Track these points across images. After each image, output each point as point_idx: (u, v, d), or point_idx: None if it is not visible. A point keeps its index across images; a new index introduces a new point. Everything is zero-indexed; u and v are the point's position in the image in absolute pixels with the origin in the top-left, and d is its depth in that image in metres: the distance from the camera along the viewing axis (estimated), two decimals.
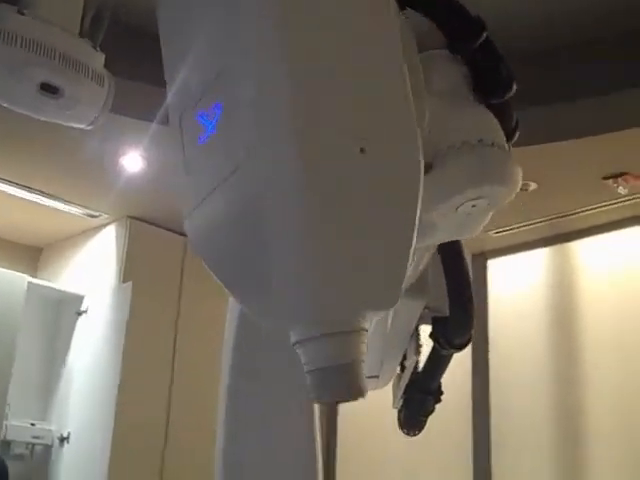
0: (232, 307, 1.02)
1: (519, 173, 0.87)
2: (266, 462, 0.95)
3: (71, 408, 4.86)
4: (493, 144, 0.85)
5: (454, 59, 0.90)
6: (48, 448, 4.90)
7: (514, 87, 0.91)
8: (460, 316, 1.08)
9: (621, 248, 4.61)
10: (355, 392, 0.72)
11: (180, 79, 0.86)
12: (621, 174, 4.04)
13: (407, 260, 0.72)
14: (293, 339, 0.73)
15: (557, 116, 3.58)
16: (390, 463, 5.07)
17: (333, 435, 5.36)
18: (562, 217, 4.60)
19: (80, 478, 4.62)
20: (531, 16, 3.35)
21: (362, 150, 0.70)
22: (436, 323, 1.11)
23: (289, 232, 0.69)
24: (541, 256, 4.96)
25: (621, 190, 4.12)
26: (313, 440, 0.95)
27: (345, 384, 0.72)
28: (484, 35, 0.90)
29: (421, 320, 1.13)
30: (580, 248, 4.80)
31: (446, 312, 1.07)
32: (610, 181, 4.09)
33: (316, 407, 0.96)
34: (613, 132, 3.62)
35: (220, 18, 0.79)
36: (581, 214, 4.53)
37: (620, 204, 4.36)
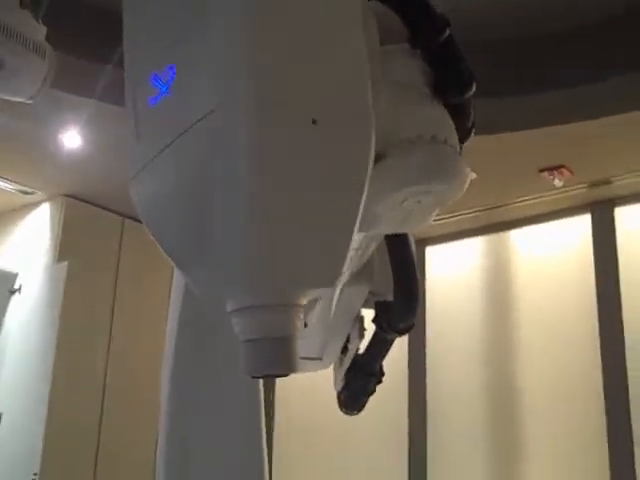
0: (176, 288, 1.01)
1: (468, 174, 0.88)
2: (211, 445, 0.95)
3: (3, 388, 4.76)
4: (446, 141, 0.86)
5: (415, 54, 0.91)
6: None
7: (474, 87, 0.92)
8: (405, 302, 1.09)
9: (554, 238, 4.73)
10: (287, 366, 0.72)
11: (139, 46, 0.84)
12: (557, 167, 4.14)
13: (348, 240, 0.72)
14: (229, 308, 0.73)
15: (498, 109, 3.64)
16: (326, 437, 5.14)
17: (270, 408, 5.38)
18: (499, 207, 4.69)
19: (14, 458, 4.54)
20: (476, 9, 3.39)
21: (314, 121, 0.70)
22: (380, 308, 1.12)
23: (235, 198, 0.69)
24: (478, 244, 5.06)
25: (557, 183, 4.22)
26: (259, 423, 0.95)
27: (278, 358, 0.72)
28: (447, 32, 0.91)
29: (365, 304, 1.14)
30: (515, 237, 4.91)
31: (390, 297, 1.08)
32: (546, 173, 4.19)
33: (260, 388, 0.96)
34: (552, 126, 3.70)
35: None
36: (517, 204, 4.63)
37: (555, 196, 4.46)
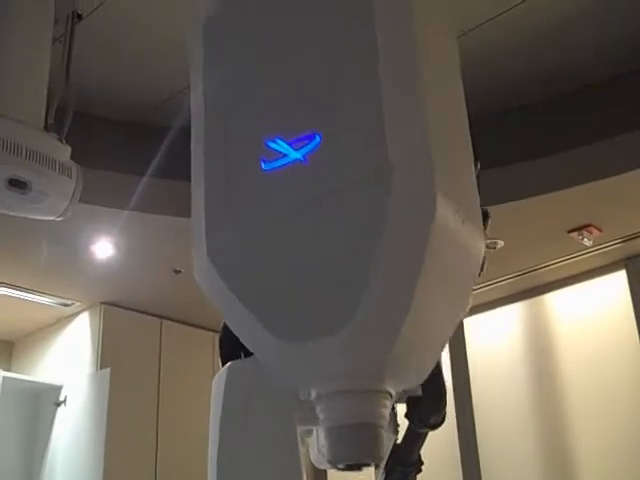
0: (217, 386, 1.02)
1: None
2: None
3: None
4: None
5: None
6: None
7: (489, 219, 0.95)
8: (433, 397, 1.10)
9: (592, 297, 4.67)
10: (374, 455, 0.70)
11: (235, 110, 0.84)
12: (585, 226, 4.13)
13: (439, 356, 0.73)
14: (314, 394, 0.71)
15: (519, 175, 3.67)
16: None
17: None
18: (531, 272, 4.66)
19: None
20: (502, 71, 3.46)
21: (463, 222, 0.73)
22: (410, 403, 1.12)
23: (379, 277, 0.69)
24: (515, 310, 5.01)
25: (586, 242, 4.20)
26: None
27: (365, 445, 0.70)
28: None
29: (398, 399, 1.15)
30: (552, 300, 4.86)
31: (419, 392, 1.09)
32: (575, 234, 4.17)
33: (301, 455, 0.96)
34: (574, 187, 3.71)
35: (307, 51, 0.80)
36: (549, 267, 4.60)
37: (586, 255, 4.44)
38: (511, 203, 3.81)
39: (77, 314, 5.13)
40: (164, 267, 4.33)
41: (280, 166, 0.76)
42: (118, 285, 4.72)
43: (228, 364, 0.96)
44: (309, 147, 0.75)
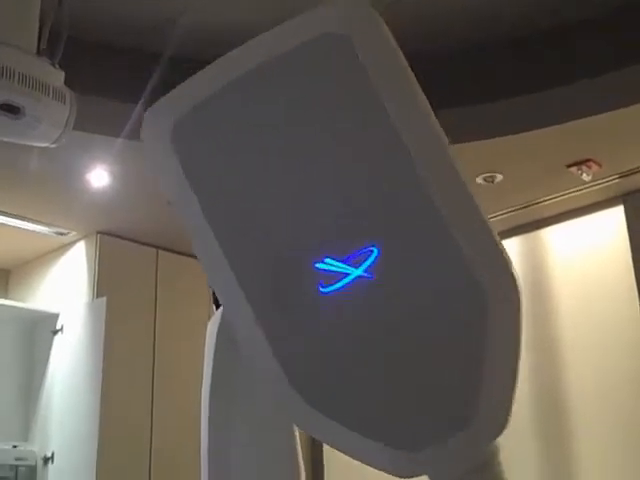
0: (211, 331, 1.02)
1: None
2: (249, 458, 0.95)
3: (53, 428, 4.83)
4: None
5: None
6: (32, 469, 4.85)
7: None
8: None
9: (589, 232, 4.68)
10: None
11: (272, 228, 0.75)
12: (584, 161, 4.10)
13: None
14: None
15: (519, 108, 3.62)
16: None
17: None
18: (529, 206, 4.66)
19: None
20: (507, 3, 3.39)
21: None
22: None
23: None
24: (512, 245, 5.02)
25: (585, 177, 4.18)
26: (295, 454, 0.95)
27: None
28: None
29: None
30: (549, 235, 4.87)
31: None
32: (574, 168, 4.15)
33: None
34: (574, 121, 3.67)
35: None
36: (547, 202, 4.60)
37: (584, 190, 4.43)
38: (511, 136, 3.78)
39: (73, 243, 5.13)
40: (160, 197, 4.31)
41: (342, 286, 0.71)
42: (114, 214, 4.71)
43: (221, 308, 0.94)
44: (369, 261, 0.70)
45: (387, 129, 0.70)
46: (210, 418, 0.96)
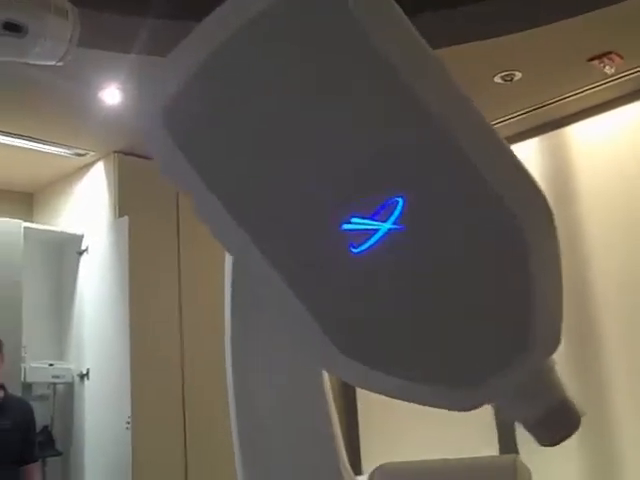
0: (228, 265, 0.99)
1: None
2: (278, 407, 0.94)
3: (86, 345, 4.94)
4: None
5: None
6: (69, 386, 5.01)
7: None
8: None
9: (611, 127, 4.59)
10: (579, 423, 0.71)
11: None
12: (606, 54, 3.99)
13: None
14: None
15: (537, 0, 3.51)
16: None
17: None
18: (550, 104, 4.56)
19: (104, 411, 4.73)
20: None
21: None
22: None
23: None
24: (535, 144, 4.95)
25: (607, 70, 4.07)
26: (323, 389, 0.93)
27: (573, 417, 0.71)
28: None
29: None
30: (572, 132, 4.78)
31: None
32: (596, 62, 4.04)
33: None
34: (594, 11, 3.55)
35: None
36: (569, 99, 4.49)
37: (607, 85, 4.32)
38: (529, 31, 3.66)
39: (92, 164, 5.13)
40: None
41: (374, 243, 0.69)
42: (129, 133, 4.67)
43: None
44: (397, 213, 0.68)
45: (395, 73, 0.67)
46: (232, 336, 0.95)
